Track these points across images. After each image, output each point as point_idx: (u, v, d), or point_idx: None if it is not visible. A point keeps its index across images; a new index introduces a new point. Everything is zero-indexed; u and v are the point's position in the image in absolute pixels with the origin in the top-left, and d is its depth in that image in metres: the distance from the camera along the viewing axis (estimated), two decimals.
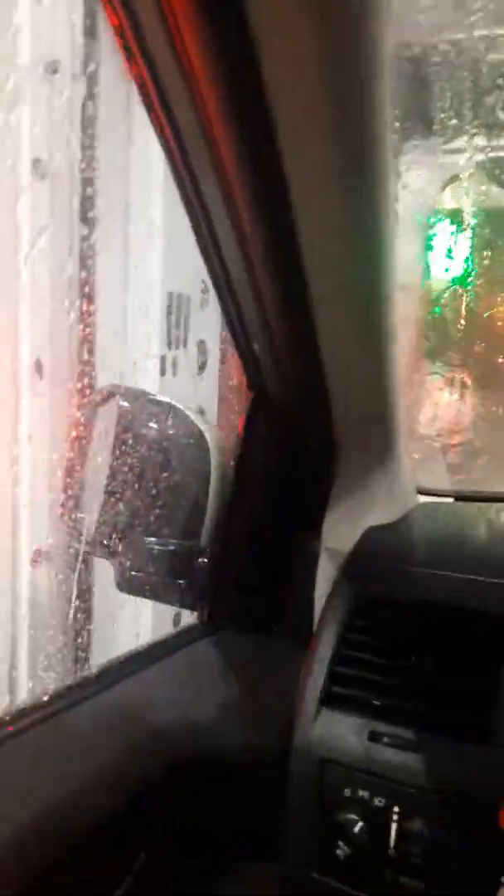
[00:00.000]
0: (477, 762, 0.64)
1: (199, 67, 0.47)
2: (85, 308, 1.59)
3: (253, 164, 0.53)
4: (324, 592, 0.82)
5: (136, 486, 0.73)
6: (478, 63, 1.05)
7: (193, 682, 0.78)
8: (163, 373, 1.82)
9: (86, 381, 1.57)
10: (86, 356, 1.55)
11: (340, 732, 0.69)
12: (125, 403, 0.76)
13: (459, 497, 1.06)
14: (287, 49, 0.44)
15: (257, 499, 0.83)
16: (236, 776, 0.72)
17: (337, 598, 0.79)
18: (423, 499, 1.02)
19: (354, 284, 0.65)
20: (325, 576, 0.83)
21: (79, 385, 1.57)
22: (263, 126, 0.48)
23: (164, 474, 0.74)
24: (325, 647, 0.74)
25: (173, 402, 0.78)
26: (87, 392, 1.39)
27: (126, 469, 0.73)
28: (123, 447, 0.73)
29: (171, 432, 0.76)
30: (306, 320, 0.65)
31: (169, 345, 1.83)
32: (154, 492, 0.74)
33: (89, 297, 1.59)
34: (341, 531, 0.85)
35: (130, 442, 0.73)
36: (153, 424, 0.75)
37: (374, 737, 0.68)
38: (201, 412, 0.83)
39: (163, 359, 1.81)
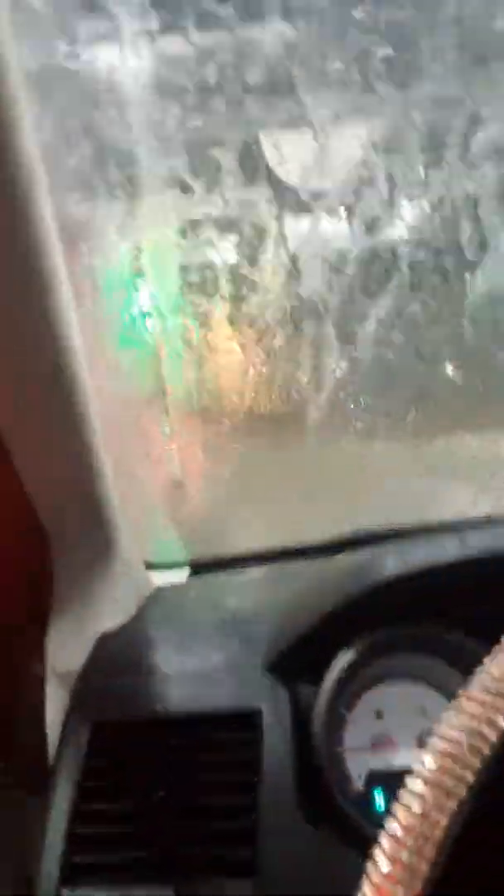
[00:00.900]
0: None
1: None
2: None
3: None
4: (57, 726, 0.71)
5: None
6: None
7: None
8: None
9: None
10: None
11: None
12: None
13: (196, 566, 1.01)
14: None
15: None
16: None
17: (69, 735, 0.68)
18: (156, 576, 0.95)
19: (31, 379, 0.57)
20: (55, 705, 0.72)
21: None
22: None
23: None
24: (59, 807, 0.63)
25: None
26: None
27: None
28: None
29: None
30: None
31: None
32: None
33: None
34: (68, 647, 0.75)
35: None
36: None
37: None
38: None
39: None
